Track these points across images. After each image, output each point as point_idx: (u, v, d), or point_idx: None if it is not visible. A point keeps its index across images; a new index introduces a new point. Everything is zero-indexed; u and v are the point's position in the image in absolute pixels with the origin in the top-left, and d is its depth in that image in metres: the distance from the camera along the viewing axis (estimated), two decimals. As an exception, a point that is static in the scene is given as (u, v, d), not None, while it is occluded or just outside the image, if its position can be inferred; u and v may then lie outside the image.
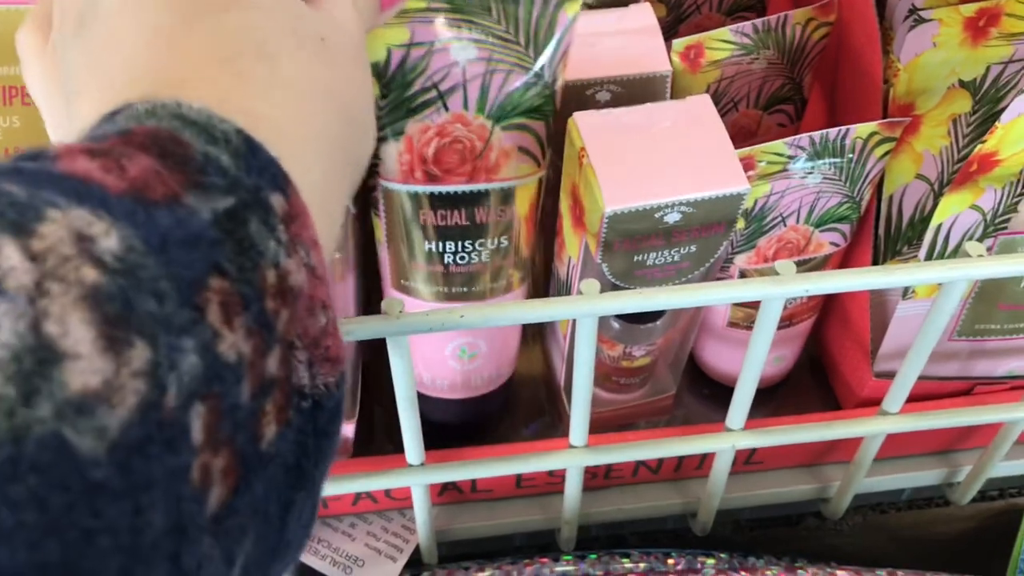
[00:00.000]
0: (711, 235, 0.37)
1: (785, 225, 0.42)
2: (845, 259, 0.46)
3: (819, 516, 0.51)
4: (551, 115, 0.36)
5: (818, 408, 0.50)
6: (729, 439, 0.42)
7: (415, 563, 0.47)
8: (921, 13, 0.39)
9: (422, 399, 0.39)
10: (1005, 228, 0.41)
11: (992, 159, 0.38)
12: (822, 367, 0.52)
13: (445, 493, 0.47)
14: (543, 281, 0.48)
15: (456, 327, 0.34)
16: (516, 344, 0.46)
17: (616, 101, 0.40)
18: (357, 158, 0.25)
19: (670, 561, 0.46)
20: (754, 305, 0.39)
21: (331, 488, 0.41)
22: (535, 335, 0.51)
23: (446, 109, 0.35)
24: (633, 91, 0.40)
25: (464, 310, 0.33)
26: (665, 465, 0.47)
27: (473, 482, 0.46)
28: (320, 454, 0.20)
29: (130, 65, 0.21)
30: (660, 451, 0.42)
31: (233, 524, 0.17)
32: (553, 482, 0.46)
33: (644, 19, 0.42)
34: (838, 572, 0.47)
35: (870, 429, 0.43)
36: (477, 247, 0.38)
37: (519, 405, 0.50)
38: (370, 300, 0.47)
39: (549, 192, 0.43)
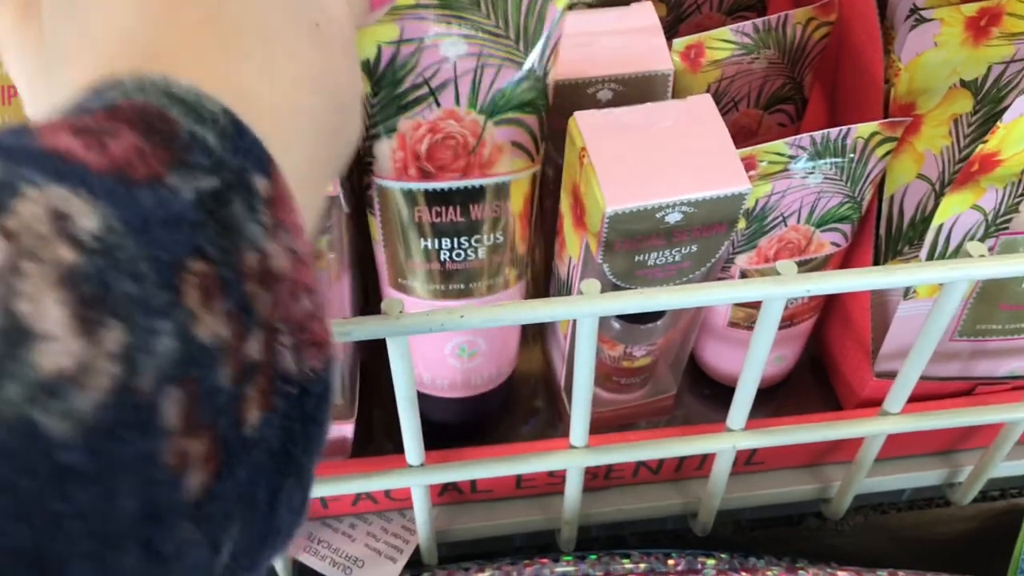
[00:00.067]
0: (712, 235, 0.37)
1: (786, 225, 0.42)
2: (846, 259, 0.45)
3: (820, 516, 0.51)
4: (544, 109, 0.36)
5: (819, 408, 0.50)
6: (730, 439, 0.42)
7: (415, 564, 0.47)
8: (922, 12, 0.39)
9: (422, 398, 0.38)
10: (1007, 228, 0.41)
11: (993, 159, 0.37)
12: (823, 367, 0.52)
13: (445, 493, 0.47)
14: (544, 280, 0.48)
15: (457, 327, 0.34)
16: (516, 343, 0.46)
17: (618, 100, 0.40)
18: (342, 146, 0.25)
19: (670, 562, 0.46)
20: (755, 305, 0.39)
21: (331, 488, 0.41)
22: (535, 335, 0.51)
23: (438, 105, 0.35)
24: (635, 90, 0.40)
25: (464, 310, 0.33)
26: (665, 465, 0.47)
27: (473, 482, 0.46)
28: (308, 440, 0.19)
29: (124, 35, 0.21)
30: (661, 451, 0.42)
31: (216, 510, 0.17)
32: (553, 482, 0.46)
33: (646, 18, 0.41)
34: (839, 572, 0.47)
35: (871, 429, 0.43)
36: (473, 243, 0.38)
37: (519, 405, 0.50)
38: (368, 300, 0.47)
39: (550, 192, 0.43)
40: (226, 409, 0.17)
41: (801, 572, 0.46)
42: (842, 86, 0.46)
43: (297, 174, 0.21)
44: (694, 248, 0.37)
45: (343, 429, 0.44)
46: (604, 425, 0.48)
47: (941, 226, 0.40)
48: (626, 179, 0.35)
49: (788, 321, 0.46)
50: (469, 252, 0.39)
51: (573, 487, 0.43)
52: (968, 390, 0.47)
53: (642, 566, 0.46)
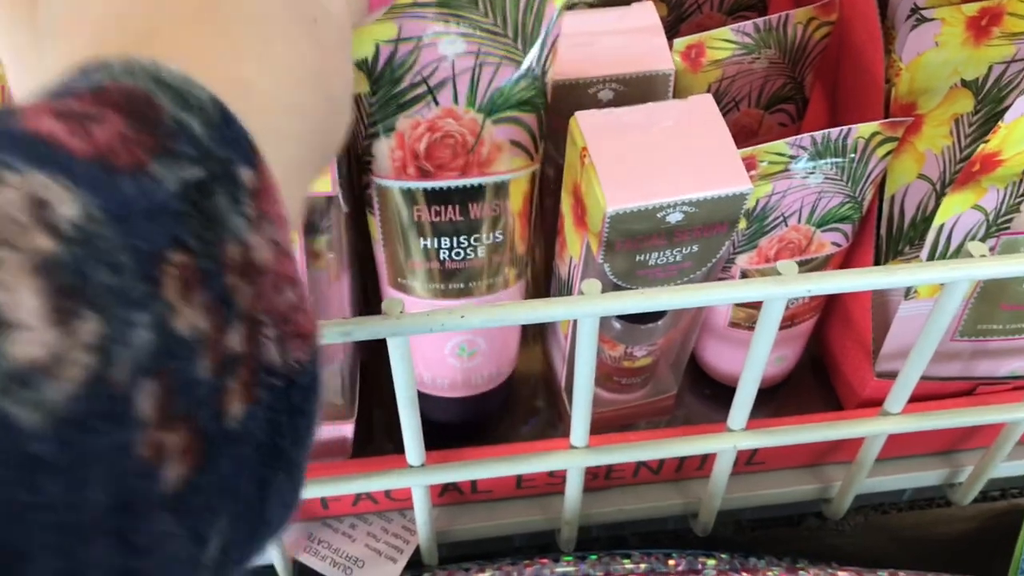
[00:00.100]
0: (713, 235, 0.37)
1: (787, 225, 0.42)
2: (847, 259, 0.45)
3: (820, 516, 0.51)
4: (542, 108, 0.36)
5: (820, 408, 0.50)
6: (730, 439, 0.42)
7: (415, 564, 0.47)
8: (923, 12, 0.39)
9: (422, 398, 0.38)
10: (1007, 228, 0.41)
11: (995, 159, 0.37)
12: (824, 367, 0.52)
13: (445, 494, 0.47)
14: (544, 280, 0.48)
15: (457, 328, 0.34)
16: (516, 342, 0.46)
17: (619, 100, 0.40)
18: (331, 141, 0.25)
19: (671, 562, 0.46)
20: (756, 305, 0.39)
21: (331, 489, 0.41)
22: (536, 335, 0.51)
23: (436, 104, 0.35)
24: (636, 90, 0.40)
25: (465, 310, 0.33)
26: (666, 465, 0.47)
27: (473, 483, 0.46)
28: (296, 433, 0.19)
29: (121, 14, 0.20)
30: (661, 452, 0.42)
31: (197, 502, 0.16)
32: (553, 483, 0.46)
33: (646, 18, 0.41)
34: (839, 573, 0.47)
35: (872, 429, 0.43)
36: (472, 242, 0.38)
37: (519, 405, 0.50)
38: (368, 300, 0.47)
39: (550, 191, 0.43)
40: (206, 401, 0.17)
41: (802, 572, 0.46)
42: (843, 86, 0.45)
43: (285, 167, 0.20)
44: (695, 248, 0.37)
45: (343, 429, 0.44)
46: (605, 425, 0.48)
47: (942, 226, 0.40)
48: (627, 179, 0.35)
49: (789, 321, 0.46)
50: (468, 251, 0.39)
51: (573, 487, 0.43)
52: (969, 390, 0.47)
53: (642, 566, 0.46)
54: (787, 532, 0.51)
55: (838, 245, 0.44)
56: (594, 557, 0.46)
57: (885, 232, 0.44)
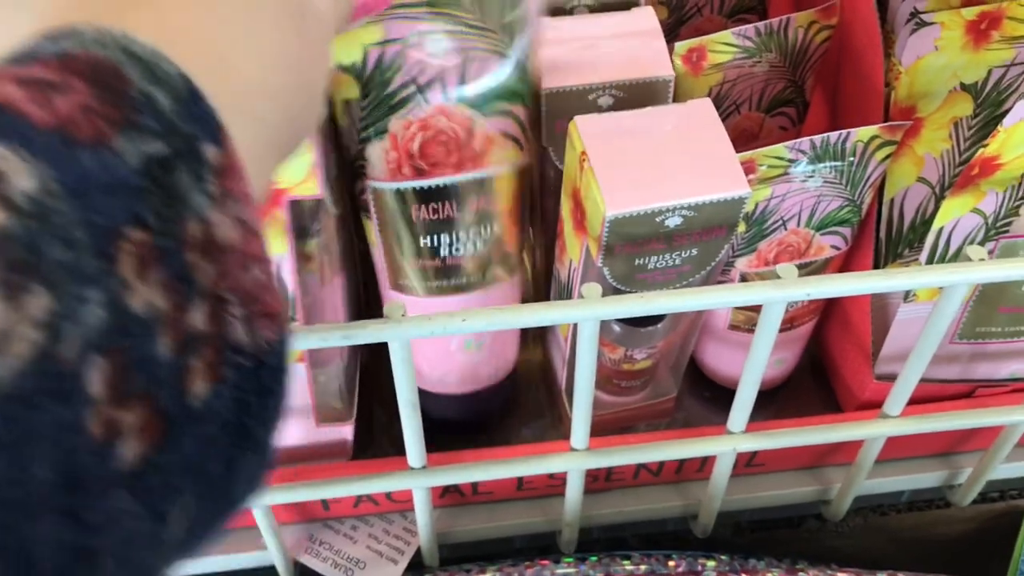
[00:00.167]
0: (712, 239, 0.37)
1: (786, 228, 0.42)
2: (846, 262, 0.46)
3: (820, 518, 0.51)
4: (529, 98, 0.37)
5: (819, 410, 0.50)
6: (730, 442, 0.42)
7: (416, 565, 0.47)
8: (923, 16, 0.39)
9: (427, 397, 0.39)
10: (1007, 232, 0.41)
11: (994, 163, 0.38)
12: (823, 369, 0.52)
13: (446, 495, 0.47)
14: (544, 284, 0.48)
15: (459, 331, 0.34)
16: (517, 337, 0.46)
17: (618, 106, 0.40)
18: (300, 129, 0.25)
19: (671, 563, 0.46)
20: (755, 308, 0.39)
21: (332, 490, 0.41)
22: (536, 337, 0.51)
23: (427, 102, 0.35)
24: (635, 96, 0.40)
25: (466, 313, 0.33)
26: (666, 467, 0.47)
27: (474, 485, 0.46)
28: (265, 412, 0.19)
29: None
30: (661, 454, 0.42)
31: (157, 480, 0.16)
32: (554, 484, 0.46)
33: (646, 23, 0.41)
34: (839, 574, 0.47)
35: (871, 432, 0.43)
36: (471, 237, 0.38)
37: (520, 407, 0.50)
38: (369, 303, 0.47)
39: (550, 194, 0.43)
40: (166, 380, 0.16)
41: (801, 574, 0.46)
42: (843, 89, 0.46)
43: (253, 149, 0.20)
44: (694, 252, 0.37)
45: (343, 431, 0.44)
46: (605, 427, 0.48)
47: (941, 229, 0.40)
48: (626, 183, 0.35)
49: (788, 324, 0.46)
50: (467, 246, 0.39)
51: (574, 489, 0.43)
52: (968, 392, 0.47)
53: (643, 567, 0.46)
54: (787, 534, 0.51)
55: (837, 248, 0.44)
56: (594, 558, 0.47)
57: (884, 235, 0.44)
